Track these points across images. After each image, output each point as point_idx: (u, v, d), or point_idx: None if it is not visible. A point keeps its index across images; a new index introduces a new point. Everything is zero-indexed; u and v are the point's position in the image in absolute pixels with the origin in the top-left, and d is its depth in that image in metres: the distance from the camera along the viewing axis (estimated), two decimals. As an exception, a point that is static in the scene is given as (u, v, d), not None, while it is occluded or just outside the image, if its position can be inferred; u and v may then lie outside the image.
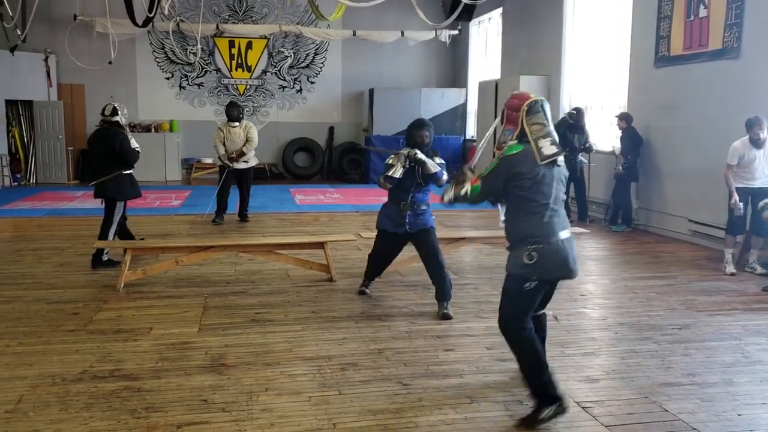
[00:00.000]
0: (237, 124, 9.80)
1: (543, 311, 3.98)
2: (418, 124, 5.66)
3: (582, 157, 10.16)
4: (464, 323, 5.30)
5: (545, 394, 3.59)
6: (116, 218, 7.06)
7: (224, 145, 9.73)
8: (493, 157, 3.76)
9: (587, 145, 10.11)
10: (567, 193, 10.34)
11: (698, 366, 4.48)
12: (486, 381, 4.17)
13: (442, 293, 5.53)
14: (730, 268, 7.04)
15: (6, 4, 10.98)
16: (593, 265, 7.59)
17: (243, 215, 10.10)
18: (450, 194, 3.80)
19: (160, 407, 3.73)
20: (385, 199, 5.85)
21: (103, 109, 7.13)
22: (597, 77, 11.50)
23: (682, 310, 5.79)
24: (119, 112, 7.04)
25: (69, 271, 6.93)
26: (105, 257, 7.01)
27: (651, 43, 9.49)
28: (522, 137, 3.61)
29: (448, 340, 4.92)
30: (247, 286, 6.40)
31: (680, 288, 6.51)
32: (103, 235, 6.97)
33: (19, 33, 12.63)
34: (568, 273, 3.63)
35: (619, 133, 9.60)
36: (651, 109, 9.54)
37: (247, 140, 9.77)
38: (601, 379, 4.25)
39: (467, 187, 3.73)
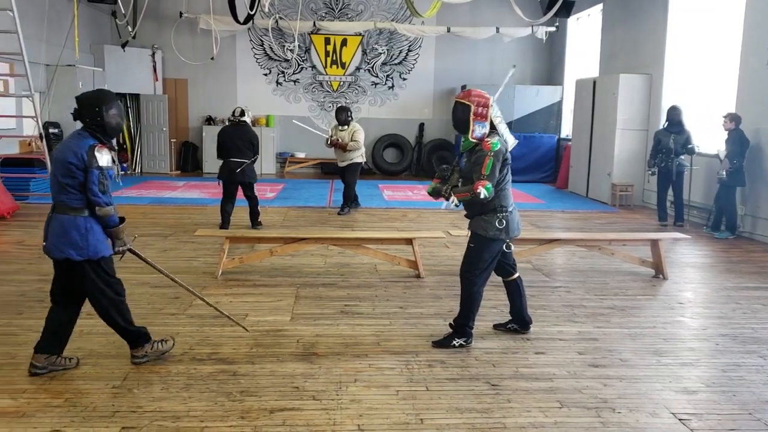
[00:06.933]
0: (345, 127, 10.38)
1: (517, 275, 4.93)
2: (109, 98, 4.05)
3: (682, 160, 9.73)
4: (556, 326, 5.19)
5: (466, 330, 4.68)
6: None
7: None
8: (474, 149, 4.53)
9: (689, 146, 9.67)
10: (665, 196, 10.01)
11: (809, 384, 4.21)
12: (577, 386, 4.07)
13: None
14: None
15: (119, 2, 11.65)
16: (693, 273, 7.26)
17: (342, 207, 10.60)
18: (455, 200, 4.62)
19: (254, 392, 3.87)
20: None
21: (234, 111, 8.92)
22: (703, 76, 10.95)
23: (792, 324, 5.45)
24: (246, 113, 8.87)
25: (171, 257, 7.29)
26: (259, 220, 8.95)
27: (765, 40, 8.93)
28: (492, 129, 4.55)
29: (538, 342, 4.83)
30: (337, 279, 6.52)
31: (789, 301, 6.13)
32: (256, 209, 8.87)
33: (130, 29, 13.36)
34: (518, 234, 4.68)
35: (724, 135, 9.12)
36: (762, 111, 8.99)
37: (352, 141, 10.27)
38: (699, 392, 4.07)
39: (483, 192, 4.38)
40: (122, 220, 4.06)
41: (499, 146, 4.45)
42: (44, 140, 10.14)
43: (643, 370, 4.38)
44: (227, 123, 9.25)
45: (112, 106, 3.99)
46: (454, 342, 4.68)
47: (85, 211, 3.91)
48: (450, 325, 4.82)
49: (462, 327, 4.70)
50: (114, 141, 4.04)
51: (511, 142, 4.64)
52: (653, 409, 3.80)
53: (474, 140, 4.53)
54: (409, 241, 6.79)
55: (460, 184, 4.70)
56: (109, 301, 4.12)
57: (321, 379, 4.08)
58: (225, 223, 8.68)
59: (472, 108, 4.49)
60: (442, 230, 7.75)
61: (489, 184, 4.40)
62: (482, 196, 4.40)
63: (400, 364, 4.35)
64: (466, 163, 4.69)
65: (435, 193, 4.86)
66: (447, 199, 4.66)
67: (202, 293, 5.82)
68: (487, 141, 4.47)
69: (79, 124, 4.05)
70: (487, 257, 4.61)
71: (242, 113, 8.85)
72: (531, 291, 5.86)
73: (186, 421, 3.51)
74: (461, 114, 4.54)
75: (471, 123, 4.50)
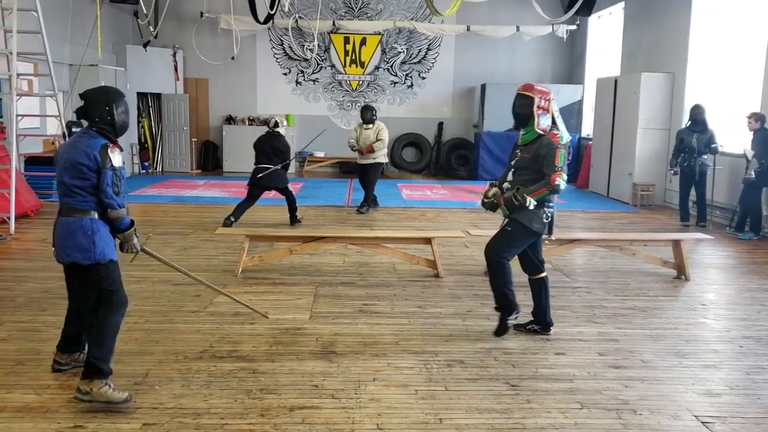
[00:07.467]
0: (370, 126, 10.50)
1: (545, 274, 4.93)
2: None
3: (705, 159, 9.61)
4: (576, 327, 5.15)
5: (511, 305, 4.79)
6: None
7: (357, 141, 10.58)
8: (537, 141, 4.62)
9: (712, 146, 9.54)
10: (687, 196, 9.89)
11: (835, 388, 4.14)
12: (597, 387, 4.04)
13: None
14: None
15: (141, 2, 11.76)
16: (715, 274, 7.17)
17: (361, 206, 10.58)
18: (533, 201, 4.57)
19: (273, 389, 3.89)
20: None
21: (268, 123, 9.54)
22: (726, 75, 10.80)
23: (818, 326, 5.35)
24: (280, 125, 9.48)
25: (191, 255, 7.34)
26: (298, 216, 9.43)
27: (790, 38, 8.80)
28: (553, 122, 4.67)
29: (558, 343, 4.80)
30: (355, 278, 6.53)
31: (815, 303, 6.03)
32: (294, 206, 9.36)
33: (151, 29, 13.48)
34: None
35: (749, 135, 8.98)
36: (787, 109, 8.85)
37: (378, 140, 10.36)
38: (723, 394, 4.01)
39: (562, 183, 4.50)
40: (132, 223, 3.89)
41: (564, 140, 4.60)
42: (67, 139, 10.27)
43: (665, 371, 4.33)
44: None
45: (120, 103, 3.83)
46: (508, 321, 4.83)
47: (91, 213, 3.71)
48: (495, 308, 4.89)
49: (506, 306, 4.80)
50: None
51: (567, 137, 4.70)
52: (675, 411, 3.76)
53: (539, 131, 4.61)
54: (427, 241, 6.78)
55: (511, 176, 4.75)
56: (89, 308, 3.83)
57: (340, 377, 4.09)
58: (233, 215, 8.78)
59: (536, 100, 4.60)
60: (461, 230, 7.72)
61: (564, 175, 4.54)
62: (562, 187, 4.53)
63: (419, 363, 4.35)
64: (521, 155, 4.72)
65: (491, 207, 4.82)
66: (524, 205, 4.56)
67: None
68: (555, 134, 4.60)
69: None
70: (519, 245, 4.75)
71: (276, 124, 9.44)
72: (551, 291, 5.79)
73: (206, 418, 3.53)
74: (522, 106, 4.65)
75: (535, 115, 4.61)
